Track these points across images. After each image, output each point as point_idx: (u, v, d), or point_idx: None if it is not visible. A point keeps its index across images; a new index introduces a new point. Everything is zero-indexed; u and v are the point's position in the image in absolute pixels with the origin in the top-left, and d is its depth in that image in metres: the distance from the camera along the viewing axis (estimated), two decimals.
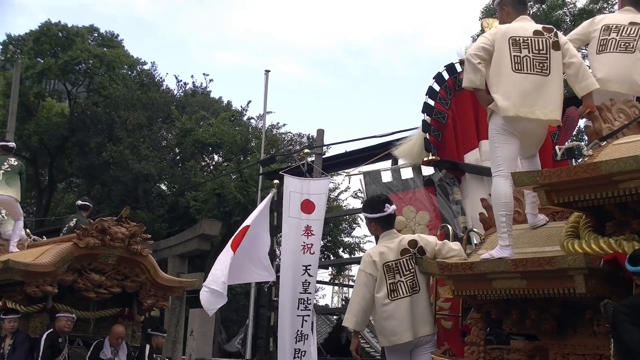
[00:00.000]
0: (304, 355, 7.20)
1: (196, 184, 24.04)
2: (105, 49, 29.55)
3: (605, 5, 18.06)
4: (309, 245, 7.36)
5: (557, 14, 18.43)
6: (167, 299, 9.62)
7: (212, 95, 29.88)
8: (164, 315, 17.28)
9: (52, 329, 8.22)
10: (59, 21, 29.19)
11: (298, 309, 7.27)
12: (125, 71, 30.12)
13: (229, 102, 29.84)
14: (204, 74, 38.97)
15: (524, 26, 5.11)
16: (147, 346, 9.27)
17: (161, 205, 25.89)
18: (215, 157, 27.65)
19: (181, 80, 29.79)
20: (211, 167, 27.59)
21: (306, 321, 7.26)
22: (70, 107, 29.22)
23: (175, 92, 29.83)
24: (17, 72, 21.84)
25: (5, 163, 9.69)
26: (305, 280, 7.31)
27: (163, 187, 27.78)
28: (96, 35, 30.67)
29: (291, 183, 7.59)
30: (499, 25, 5.35)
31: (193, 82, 29.91)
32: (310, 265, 7.32)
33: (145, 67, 30.75)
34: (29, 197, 28.38)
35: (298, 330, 7.23)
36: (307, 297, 7.29)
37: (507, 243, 4.85)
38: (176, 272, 18.75)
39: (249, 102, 27.87)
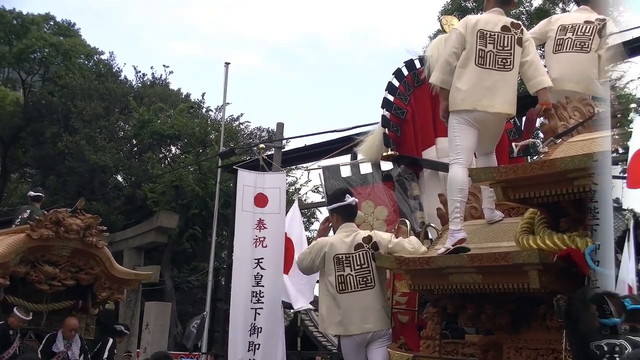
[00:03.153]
0: (258, 349, 7.20)
1: (154, 176, 23.80)
2: (61, 37, 29.03)
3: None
4: (262, 239, 7.43)
5: (513, 12, 18.67)
6: (122, 292, 9.49)
7: (171, 87, 29.65)
8: (119, 308, 17.09)
9: (3, 321, 8.07)
10: (14, 9, 28.65)
11: (251, 301, 7.30)
12: (82, 61, 29.66)
13: (187, 94, 29.65)
14: (163, 65, 38.60)
15: (494, 20, 5.21)
16: (111, 340, 9.13)
17: (118, 197, 25.59)
18: (173, 149, 27.41)
19: (140, 71, 29.49)
20: (169, 159, 27.35)
21: (259, 314, 7.28)
22: (25, 96, 28.66)
23: (133, 83, 29.50)
24: None
25: None
26: (258, 273, 7.33)
27: (120, 178, 27.45)
28: (52, 23, 30.13)
29: (245, 177, 7.66)
30: (469, 16, 5.44)
31: (152, 74, 29.67)
32: (262, 258, 7.36)
33: (103, 57, 30.38)
34: None
35: (252, 323, 7.25)
36: (260, 290, 7.31)
37: (459, 227, 4.93)
38: (132, 265, 18.55)
39: (204, 94, 27.61)
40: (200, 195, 22.46)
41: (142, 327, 17.10)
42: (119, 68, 30.03)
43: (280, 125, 16.36)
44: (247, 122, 27.13)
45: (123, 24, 62.77)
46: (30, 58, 27.89)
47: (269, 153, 18.66)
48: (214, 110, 27.29)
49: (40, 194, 10.71)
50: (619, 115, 5.48)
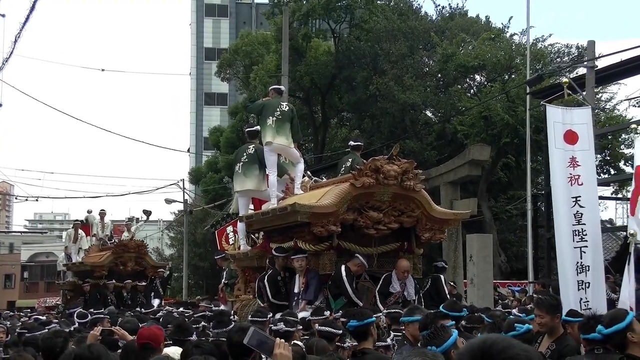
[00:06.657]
0: (588, 287, 7.08)
1: (462, 109, 23.87)
2: None
3: None
4: (576, 177, 7.28)
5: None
6: (443, 232, 9.78)
7: (469, 14, 29.31)
8: (441, 242, 17.60)
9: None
10: None
11: (574, 240, 7.23)
12: (383, 2, 30.44)
13: (487, 20, 29.11)
14: None
15: None
16: (442, 277, 9.75)
17: (429, 133, 26.15)
18: (478, 78, 27.17)
19: (439, 5, 29.58)
20: (474, 89, 27.19)
21: (584, 252, 7.18)
22: (335, 45, 30.24)
23: (433, 17, 29.70)
24: (286, 16, 22.72)
25: (277, 109, 10.22)
26: (577, 211, 7.25)
27: (429, 114, 27.98)
28: None
29: (554, 113, 7.60)
30: None
31: (450, 5, 29.59)
32: (579, 196, 7.25)
33: None
34: (306, 134, 30.22)
35: (578, 262, 7.18)
36: (582, 229, 7.22)
37: None
38: (449, 199, 18.97)
39: (511, 17, 26.76)
40: (511, 124, 22.05)
41: (466, 259, 17.45)
42: (418, 4, 30.48)
43: (592, 44, 15.36)
44: (557, 43, 25.98)
45: None
46: (336, 7, 29.19)
47: (582, 72, 17.63)
48: (519, 34, 26.47)
49: (359, 143, 11.39)
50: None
